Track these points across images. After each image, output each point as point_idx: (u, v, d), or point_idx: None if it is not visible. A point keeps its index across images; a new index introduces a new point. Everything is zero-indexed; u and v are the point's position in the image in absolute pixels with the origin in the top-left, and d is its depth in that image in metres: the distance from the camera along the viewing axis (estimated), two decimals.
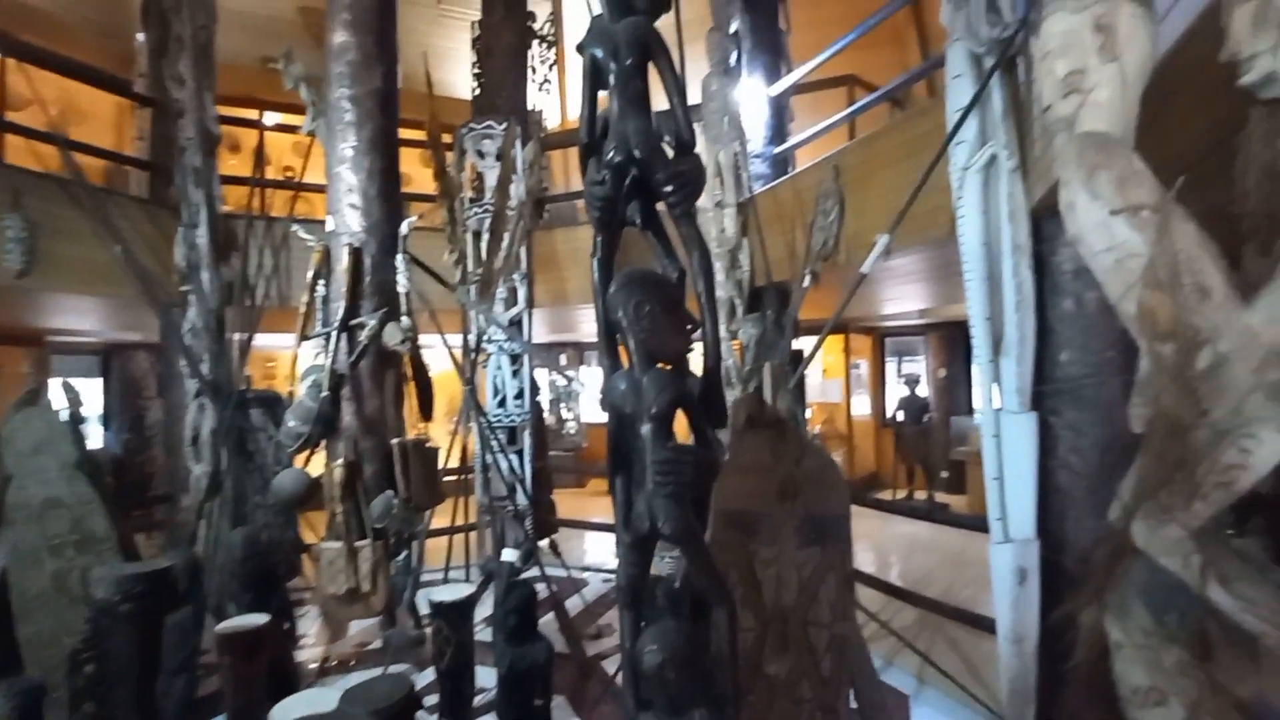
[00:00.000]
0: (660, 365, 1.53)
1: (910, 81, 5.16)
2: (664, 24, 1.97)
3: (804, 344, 5.14)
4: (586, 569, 6.53)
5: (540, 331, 9.16)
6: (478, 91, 6.81)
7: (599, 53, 1.70)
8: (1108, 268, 0.88)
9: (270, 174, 8.32)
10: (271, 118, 7.46)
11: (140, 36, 6.42)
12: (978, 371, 3.13)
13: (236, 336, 4.94)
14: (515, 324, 5.74)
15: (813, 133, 5.36)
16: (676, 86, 1.69)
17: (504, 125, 5.30)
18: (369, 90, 3.55)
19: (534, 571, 4.53)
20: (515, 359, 5.78)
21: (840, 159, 4.51)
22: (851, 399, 10.72)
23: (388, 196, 3.66)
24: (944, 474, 9.93)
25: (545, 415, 8.36)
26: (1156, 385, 0.84)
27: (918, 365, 10.90)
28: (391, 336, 3.63)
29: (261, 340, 5.58)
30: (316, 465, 4.37)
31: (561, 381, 11.18)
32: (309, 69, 4.37)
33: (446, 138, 5.23)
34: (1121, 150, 0.85)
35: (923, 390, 10.03)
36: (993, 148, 2.98)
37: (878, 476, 10.63)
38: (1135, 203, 0.82)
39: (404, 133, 4.83)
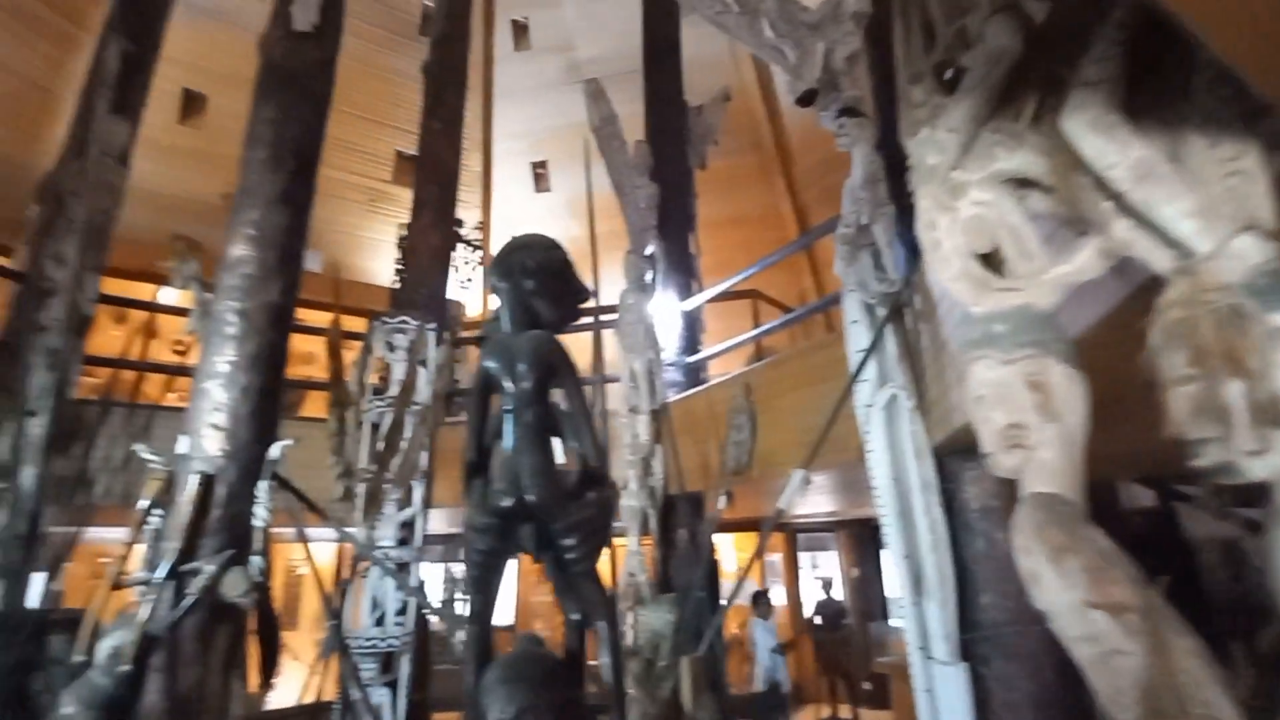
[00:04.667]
0: None
1: (810, 313, 5.67)
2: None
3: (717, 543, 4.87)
4: None
5: (439, 524, 8.44)
6: (398, 284, 6.85)
7: (493, 365, 1.50)
8: (1090, 660, 0.73)
9: (159, 348, 7.71)
10: (170, 294, 7.10)
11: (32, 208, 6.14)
12: (904, 615, 2.96)
13: (58, 531, 4.11)
14: (406, 526, 5.16)
15: (724, 347, 5.65)
16: (583, 410, 1.50)
17: (417, 322, 5.23)
18: (261, 304, 3.36)
19: None
20: (402, 567, 5.11)
21: (750, 377, 4.68)
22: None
23: (262, 416, 3.30)
24: (866, 685, 9.34)
25: (433, 623, 7.34)
26: None
27: (830, 560, 10.76)
28: (234, 586, 2.99)
29: (96, 533, 4.71)
30: None
31: (458, 574, 10.15)
32: (223, 249, 4.19)
33: (359, 323, 5.06)
34: (1086, 530, 0.77)
35: (837, 592, 9.78)
36: (892, 388, 3.13)
37: (800, 690, 9.86)
38: (1116, 601, 0.70)
39: (315, 316, 4.63)
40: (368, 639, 4.86)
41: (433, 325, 5.38)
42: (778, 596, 10.36)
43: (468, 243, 8.66)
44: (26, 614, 3.96)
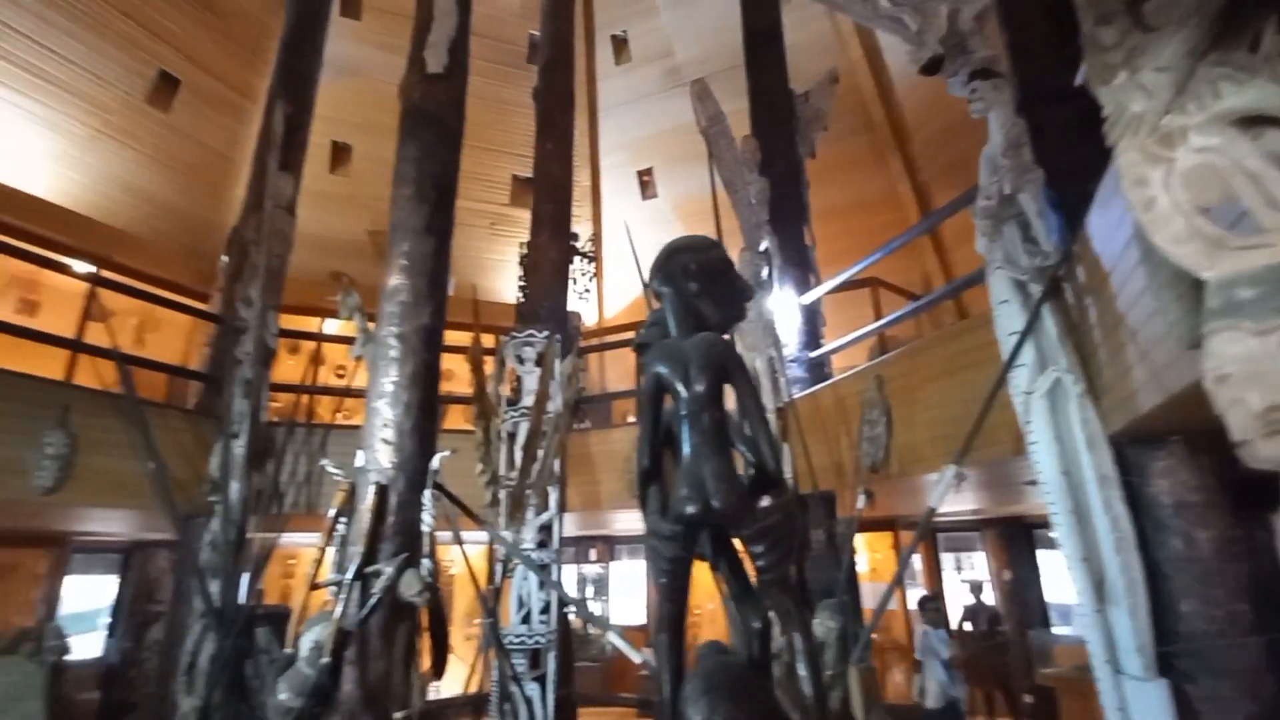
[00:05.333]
0: None
1: (942, 298, 5.30)
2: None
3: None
4: None
5: (570, 527, 8.79)
6: (522, 300, 7.23)
7: (664, 371, 1.45)
8: None
9: (325, 372, 8.72)
10: (332, 324, 8.00)
11: (224, 259, 7.14)
12: (1085, 624, 2.67)
13: (259, 537, 4.73)
14: (545, 529, 5.42)
15: (848, 340, 5.42)
16: (758, 413, 1.45)
17: (544, 334, 5.48)
18: (416, 327, 3.72)
19: None
20: (543, 568, 5.37)
21: (882, 369, 4.45)
22: (907, 603, 9.66)
23: (422, 431, 3.64)
24: (1028, 699, 8.51)
25: (572, 621, 7.65)
26: None
27: (976, 561, 9.93)
28: (409, 586, 3.31)
29: (286, 539, 5.35)
30: None
31: (591, 573, 10.50)
32: (374, 278, 4.67)
33: (489, 337, 5.39)
34: None
35: (988, 596, 9.01)
36: (1055, 372, 2.84)
37: (954, 704, 9.17)
38: None
39: (451, 335, 5.02)
40: (516, 636, 5.14)
41: (558, 336, 5.62)
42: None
43: (583, 255, 8.97)
44: (239, 609, 4.59)
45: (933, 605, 7.34)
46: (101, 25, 7.72)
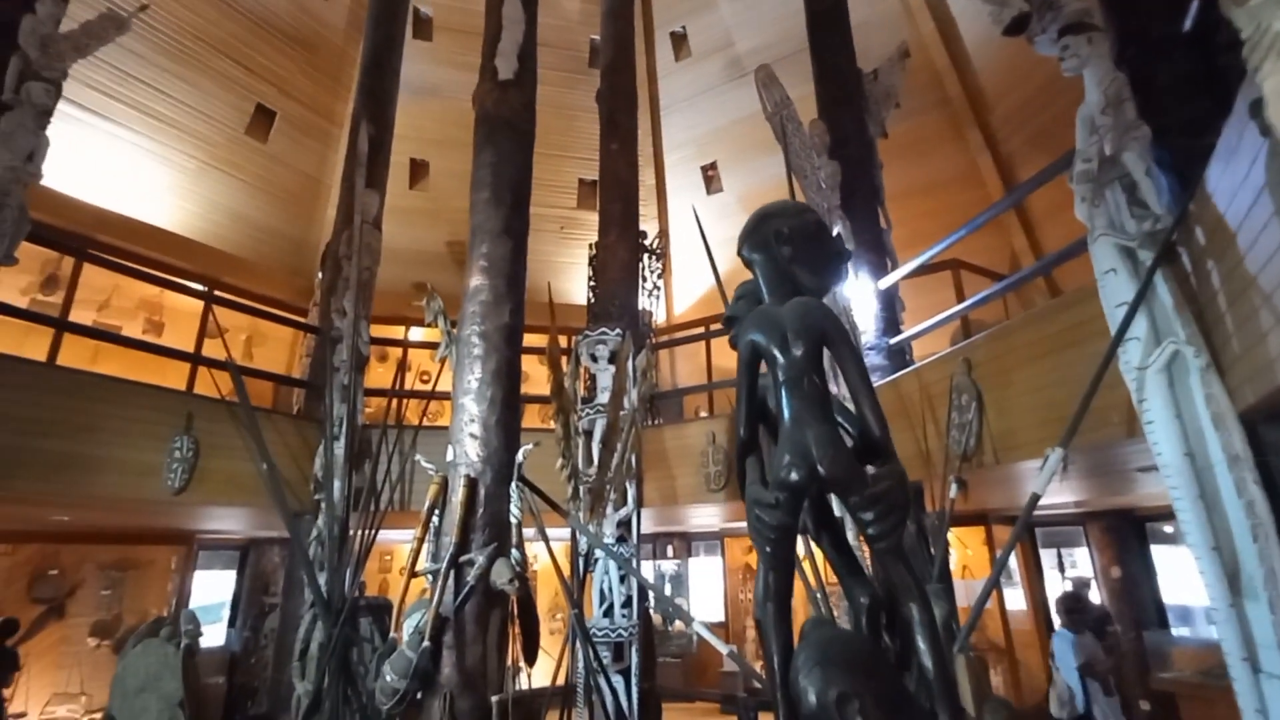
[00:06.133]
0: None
1: (1030, 275, 4.99)
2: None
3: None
4: None
5: (647, 523, 8.86)
6: (592, 300, 7.35)
7: (761, 339, 1.43)
8: None
9: (410, 377, 9.19)
10: (416, 332, 8.42)
11: (319, 275, 7.66)
12: (1218, 620, 2.45)
13: (359, 534, 5.04)
14: (624, 525, 5.49)
15: (930, 324, 5.18)
16: (862, 379, 1.39)
17: (616, 332, 5.55)
18: (497, 326, 3.86)
19: None
20: (625, 561, 5.43)
21: (970, 352, 4.23)
22: (1004, 600, 9.14)
23: (506, 425, 3.78)
24: (1145, 705, 7.88)
25: (654, 617, 7.72)
26: None
27: (1079, 558, 9.26)
28: (500, 575, 3.44)
29: (382, 535, 5.67)
30: None
31: (669, 570, 10.54)
32: (452, 288, 4.89)
33: (562, 339, 5.52)
34: None
35: (1095, 596, 8.40)
36: (1173, 344, 2.61)
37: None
38: None
39: (527, 338, 5.19)
40: (599, 629, 5.23)
41: (630, 333, 5.68)
42: (1015, 599, 9.16)
43: (651, 252, 9.01)
44: (344, 600, 4.90)
45: (1078, 605, 6.71)
46: (203, 64, 8.45)
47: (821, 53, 6.86)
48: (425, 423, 6.35)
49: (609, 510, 5.46)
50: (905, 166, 8.18)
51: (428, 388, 7.10)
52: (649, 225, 10.29)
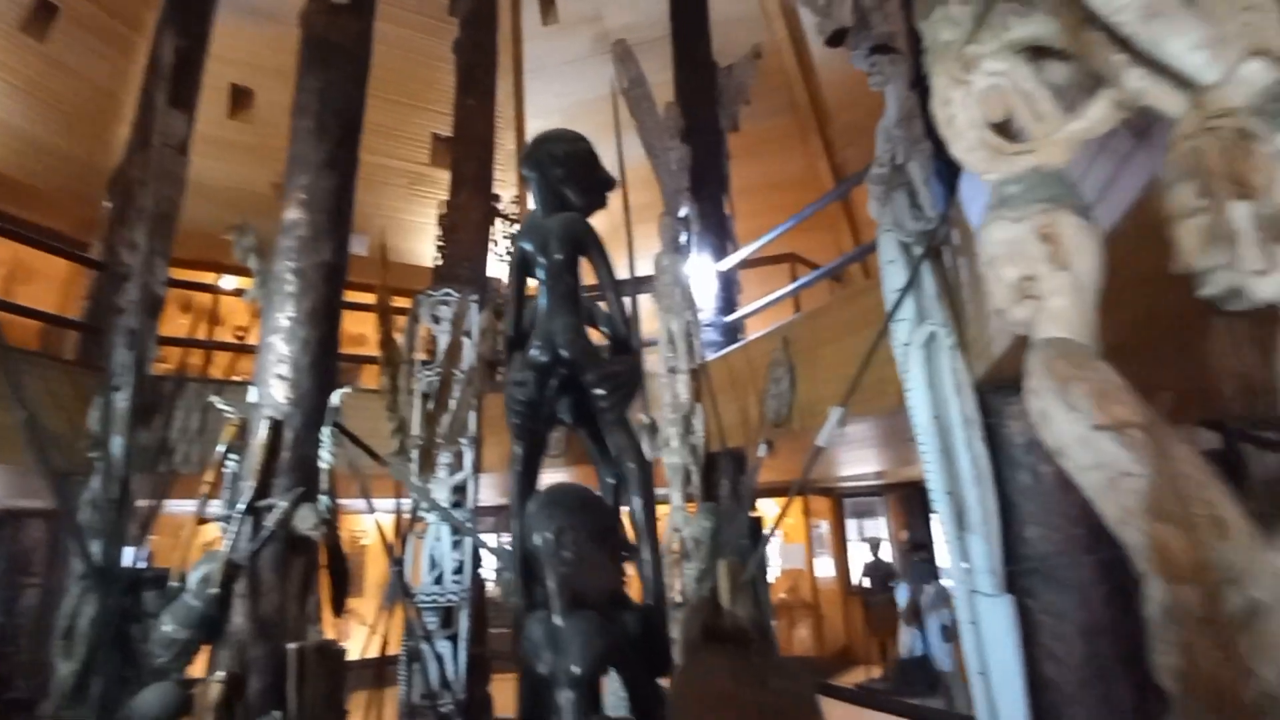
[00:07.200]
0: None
1: (847, 262, 5.58)
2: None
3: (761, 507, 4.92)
4: None
5: (488, 494, 8.73)
6: (440, 262, 7.05)
7: (529, 246, 1.62)
8: (1099, 487, 0.77)
9: (223, 334, 8.19)
10: (231, 281, 7.52)
11: (107, 203, 6.56)
12: (946, 547, 2.97)
13: (143, 503, 4.47)
14: (459, 490, 5.39)
15: (762, 304, 5.64)
16: (611, 283, 1.61)
17: (460, 295, 5.39)
18: (315, 263, 3.58)
19: None
20: (456, 529, 5.34)
21: (788, 331, 4.67)
22: (814, 563, 10.27)
23: (321, 367, 3.52)
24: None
25: (489, 587, 7.67)
26: (1183, 635, 0.69)
27: (878, 527, 10.65)
28: (304, 520, 3.24)
29: (178, 506, 5.08)
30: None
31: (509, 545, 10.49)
32: (277, 232, 4.43)
33: (404, 302, 5.26)
34: (1092, 361, 0.79)
35: (886, 554, 9.71)
36: (931, 325, 3.10)
37: (849, 651, 9.88)
38: (1120, 419, 0.73)
39: (364, 297, 4.85)
40: (427, 594, 5.11)
41: (475, 296, 5.55)
42: (824, 566, 10.32)
43: (505, 217, 8.81)
44: (122, 571, 4.33)
45: (923, 554, 7.17)
46: None
47: (682, 41, 7.10)
48: (236, 379, 5.74)
49: (445, 475, 5.33)
50: (754, 164, 8.73)
51: (244, 343, 6.42)
52: (505, 192, 10.03)
